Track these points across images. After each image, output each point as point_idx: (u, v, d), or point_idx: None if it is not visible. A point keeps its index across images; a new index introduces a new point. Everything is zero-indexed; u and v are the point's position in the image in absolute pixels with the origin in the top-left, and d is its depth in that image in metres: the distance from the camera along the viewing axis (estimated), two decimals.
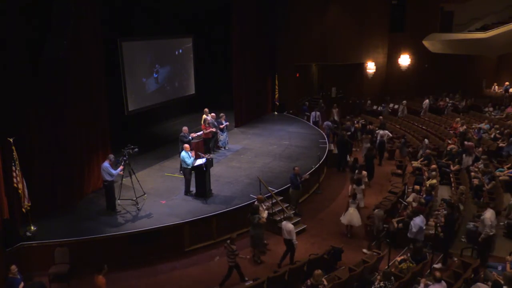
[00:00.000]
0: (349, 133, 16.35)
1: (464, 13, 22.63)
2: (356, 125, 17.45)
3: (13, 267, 7.62)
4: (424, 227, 9.27)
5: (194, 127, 15.04)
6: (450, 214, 9.35)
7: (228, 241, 8.54)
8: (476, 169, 13.09)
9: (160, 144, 15.10)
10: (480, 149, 14.58)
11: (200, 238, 10.06)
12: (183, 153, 11.01)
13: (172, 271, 9.25)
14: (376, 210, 10.36)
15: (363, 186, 11.76)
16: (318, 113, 18.77)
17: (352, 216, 10.49)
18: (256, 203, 9.85)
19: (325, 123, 17.99)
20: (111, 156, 10.23)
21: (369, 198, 12.46)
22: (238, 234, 10.36)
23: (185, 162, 10.95)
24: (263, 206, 10.05)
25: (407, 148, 16.52)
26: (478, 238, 9.17)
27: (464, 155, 13.80)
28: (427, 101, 21.14)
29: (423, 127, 19.08)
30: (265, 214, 9.79)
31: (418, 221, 9.16)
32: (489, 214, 9.07)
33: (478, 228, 9.35)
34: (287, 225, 9.24)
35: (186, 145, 11.29)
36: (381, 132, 16.21)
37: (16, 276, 7.60)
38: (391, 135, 16.80)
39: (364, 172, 12.61)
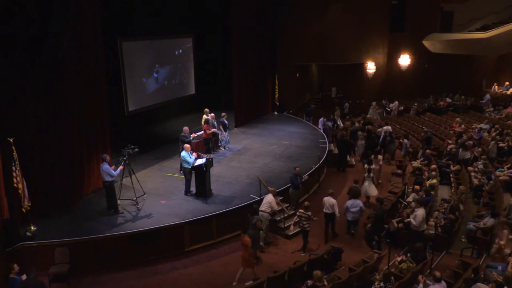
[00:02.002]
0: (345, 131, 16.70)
1: (464, 13, 22.64)
2: (357, 125, 17.54)
3: (15, 266, 7.67)
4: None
5: (194, 127, 15.04)
6: (379, 209, 10.06)
7: (302, 210, 9.84)
8: (476, 170, 13.09)
9: (160, 144, 15.09)
10: (480, 149, 14.60)
11: (200, 238, 10.06)
12: (184, 153, 11.00)
13: (172, 271, 9.24)
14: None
15: (373, 166, 12.95)
16: (325, 119, 18.16)
17: (367, 188, 12.19)
18: (270, 196, 10.03)
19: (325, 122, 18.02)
20: (106, 156, 10.18)
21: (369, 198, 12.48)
22: (237, 235, 10.37)
23: (185, 162, 10.94)
24: (276, 198, 10.21)
25: (394, 146, 16.62)
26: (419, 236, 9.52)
27: (460, 149, 14.04)
28: (396, 102, 21.41)
29: (423, 127, 19.09)
30: (276, 207, 10.03)
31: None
32: (421, 212, 9.42)
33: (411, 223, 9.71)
34: (330, 200, 10.26)
35: (187, 145, 11.28)
36: (384, 127, 16.70)
37: (17, 276, 7.62)
38: (391, 130, 17.05)
39: (380, 156, 13.99)
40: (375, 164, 13.30)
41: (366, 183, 12.31)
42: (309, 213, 9.81)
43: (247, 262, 8.53)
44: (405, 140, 16.15)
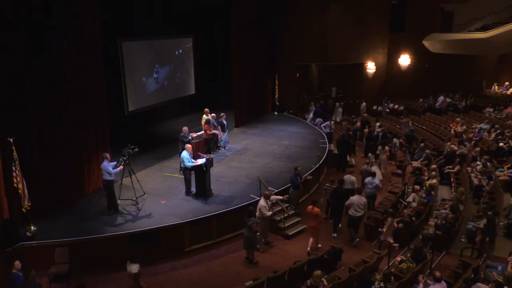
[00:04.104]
0: (350, 132, 16.91)
1: (464, 13, 22.63)
2: (356, 125, 17.65)
3: (17, 263, 7.69)
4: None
5: (194, 127, 15.04)
6: (338, 187, 10.80)
7: (328, 184, 11.24)
8: (475, 170, 13.10)
9: (160, 144, 15.09)
10: (478, 148, 14.61)
11: (200, 238, 10.06)
12: (185, 153, 10.95)
13: (172, 271, 9.24)
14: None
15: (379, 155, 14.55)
16: (332, 122, 18.02)
17: (375, 171, 12.87)
18: (261, 202, 9.90)
19: (316, 119, 18.24)
20: (106, 154, 10.19)
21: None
22: (237, 235, 10.39)
23: (185, 162, 10.90)
24: (268, 203, 10.03)
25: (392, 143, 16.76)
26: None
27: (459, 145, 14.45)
28: (364, 104, 21.51)
29: (423, 127, 19.12)
30: (269, 213, 9.84)
31: None
32: (355, 198, 10.22)
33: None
34: (351, 177, 11.55)
35: (188, 145, 11.25)
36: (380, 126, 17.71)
37: (19, 273, 7.64)
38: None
39: (387, 148, 14.95)
40: (382, 154, 14.54)
41: (373, 167, 13.41)
42: (334, 186, 10.93)
43: (316, 231, 9.83)
44: (394, 139, 16.27)
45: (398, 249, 9.82)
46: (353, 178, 11.62)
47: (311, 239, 9.84)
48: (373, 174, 11.95)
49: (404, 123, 18.96)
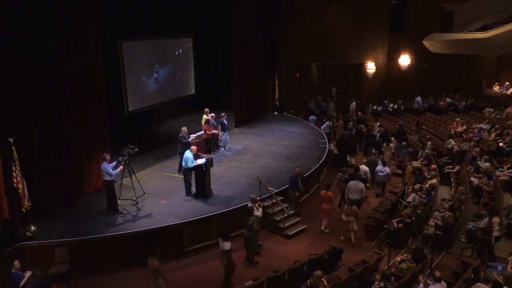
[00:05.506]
0: (353, 132, 17.22)
1: (464, 13, 22.65)
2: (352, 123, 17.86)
3: (16, 262, 7.72)
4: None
5: (194, 127, 15.04)
6: (353, 174, 11.79)
7: (340, 174, 12.00)
8: (473, 171, 13.12)
9: (160, 144, 15.09)
10: (478, 149, 14.61)
11: (200, 238, 10.06)
12: (189, 154, 10.84)
13: (172, 271, 9.23)
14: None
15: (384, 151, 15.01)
16: (330, 123, 18.01)
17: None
18: (249, 204, 9.84)
19: (310, 117, 18.40)
20: (106, 155, 10.19)
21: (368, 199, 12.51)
22: (235, 235, 10.37)
23: (188, 164, 10.83)
24: (257, 205, 9.97)
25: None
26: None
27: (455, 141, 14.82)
28: (354, 103, 21.57)
29: (423, 127, 19.11)
30: (258, 213, 9.79)
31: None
32: (352, 183, 11.12)
33: None
34: (364, 167, 12.66)
35: (193, 147, 11.18)
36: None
37: (19, 272, 7.65)
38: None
39: (391, 145, 15.26)
40: (387, 151, 14.86)
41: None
42: (346, 176, 11.82)
43: (328, 214, 10.67)
44: (392, 139, 16.25)
45: (362, 242, 10.32)
46: (366, 168, 12.69)
47: (323, 221, 10.76)
48: (384, 163, 13.02)
49: (414, 130, 18.53)
